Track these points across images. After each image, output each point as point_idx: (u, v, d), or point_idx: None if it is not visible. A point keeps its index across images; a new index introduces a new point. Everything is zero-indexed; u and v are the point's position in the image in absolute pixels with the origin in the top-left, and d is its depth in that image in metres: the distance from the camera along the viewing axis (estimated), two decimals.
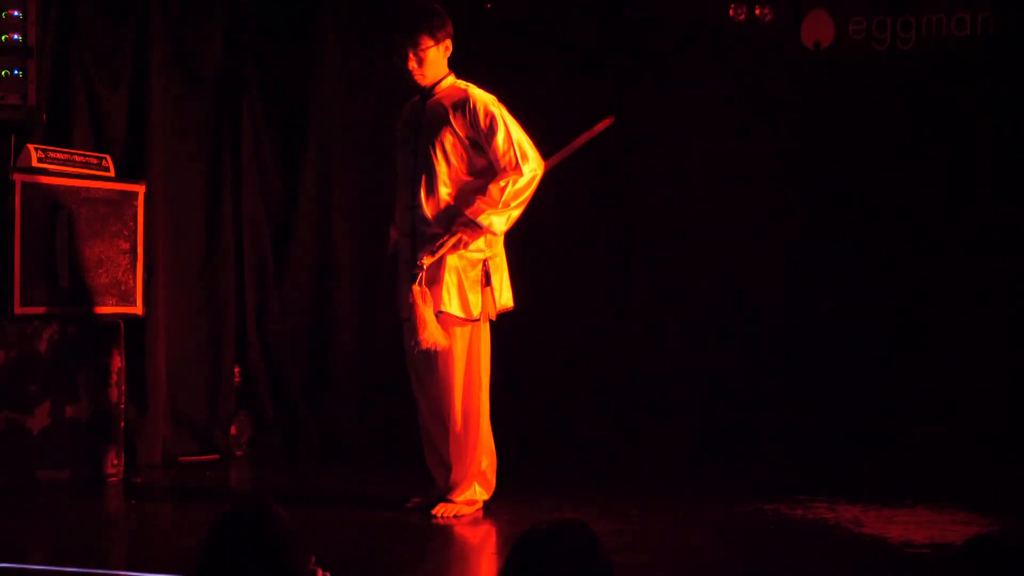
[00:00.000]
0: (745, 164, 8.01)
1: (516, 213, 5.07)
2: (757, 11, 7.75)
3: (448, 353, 5.06)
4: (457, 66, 5.23)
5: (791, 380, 7.96)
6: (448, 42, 5.16)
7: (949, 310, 7.60)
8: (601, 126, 5.46)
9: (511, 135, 5.07)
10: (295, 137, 7.10)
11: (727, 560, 4.42)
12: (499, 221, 5.03)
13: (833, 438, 7.57)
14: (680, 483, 6.04)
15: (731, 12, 7.75)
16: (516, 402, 7.27)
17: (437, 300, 5.02)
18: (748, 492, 5.64)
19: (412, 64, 5.15)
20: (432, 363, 5.10)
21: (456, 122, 5.09)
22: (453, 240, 5.01)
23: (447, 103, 5.15)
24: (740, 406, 7.95)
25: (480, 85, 5.21)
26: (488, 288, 5.11)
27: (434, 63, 5.15)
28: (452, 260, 5.05)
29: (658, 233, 7.90)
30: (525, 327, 6.96)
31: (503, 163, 5.06)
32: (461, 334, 5.08)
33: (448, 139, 5.09)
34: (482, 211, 5.00)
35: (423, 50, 5.12)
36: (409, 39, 5.12)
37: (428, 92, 5.19)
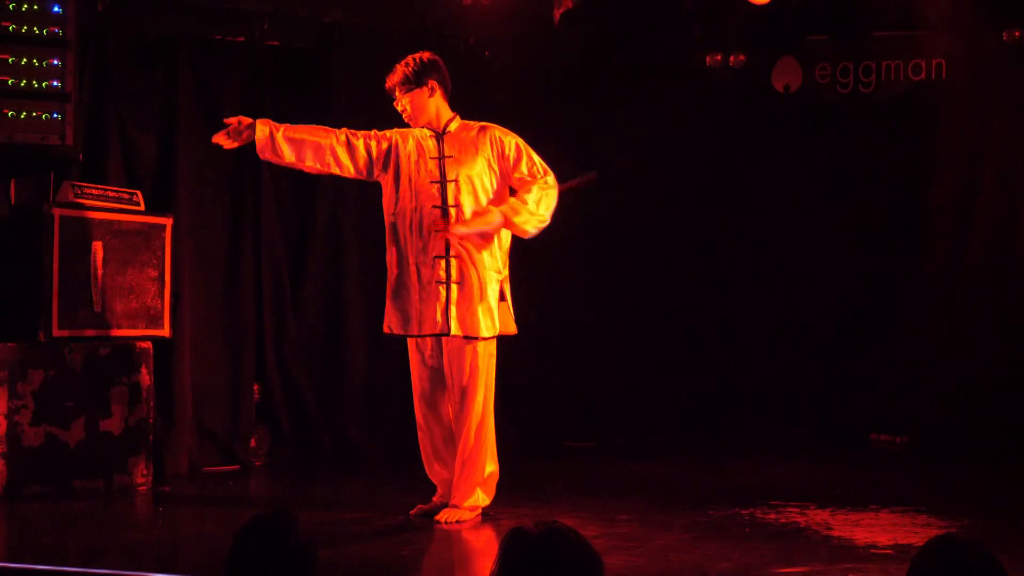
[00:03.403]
0: (720, 193, 8.11)
1: (542, 222, 5.10)
2: (731, 58, 7.81)
3: (475, 369, 5.07)
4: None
5: (767, 392, 8.01)
6: (434, 84, 5.17)
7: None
8: (586, 180, 5.47)
9: (532, 156, 5.15)
10: (310, 174, 7.11)
11: (707, 560, 4.43)
12: (530, 223, 5.07)
13: (808, 447, 7.60)
14: (664, 490, 6.03)
15: (707, 59, 7.81)
16: (511, 414, 7.29)
17: (476, 326, 5.04)
18: (726, 498, 5.64)
19: (402, 108, 5.20)
20: (461, 378, 5.10)
21: (485, 154, 5.13)
22: (485, 223, 5.02)
23: (470, 138, 5.17)
24: (720, 418, 7.99)
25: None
26: (504, 303, 5.14)
27: (425, 106, 5.17)
28: (474, 279, 5.05)
29: (641, 253, 7.96)
30: (520, 343, 6.99)
31: (531, 175, 5.12)
32: (483, 349, 5.10)
33: (481, 170, 5.12)
34: (517, 211, 5.05)
35: (407, 95, 5.16)
36: (395, 87, 5.18)
37: (441, 131, 5.21)
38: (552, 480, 6.42)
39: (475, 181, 5.11)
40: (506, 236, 5.22)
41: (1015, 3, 7.25)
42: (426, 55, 5.21)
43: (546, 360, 7.68)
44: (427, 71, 5.16)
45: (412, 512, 5.25)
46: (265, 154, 5.16)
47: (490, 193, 5.12)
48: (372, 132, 5.25)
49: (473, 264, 5.08)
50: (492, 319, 5.09)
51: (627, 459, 7.17)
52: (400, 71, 5.16)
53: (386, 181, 5.22)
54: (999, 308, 7.39)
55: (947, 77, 7.50)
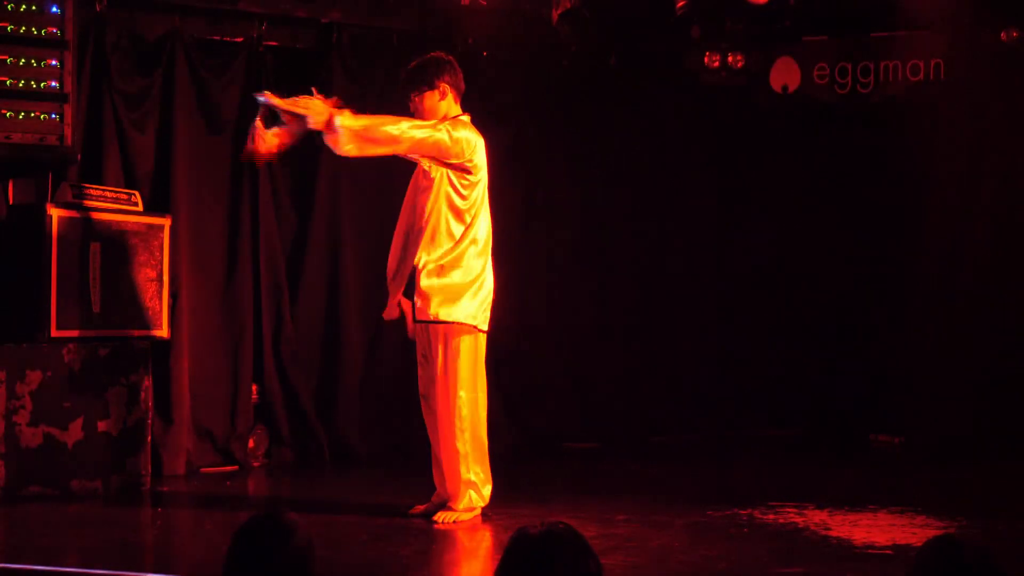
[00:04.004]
0: (719, 193, 8.12)
1: (357, 144, 4.90)
2: (730, 58, 7.81)
3: (449, 366, 5.06)
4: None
5: (767, 392, 8.01)
6: (445, 86, 5.19)
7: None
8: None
9: (436, 131, 5.00)
10: (308, 175, 7.12)
11: (705, 560, 4.43)
12: (345, 133, 4.84)
13: (807, 447, 7.60)
14: (663, 491, 6.03)
15: (706, 59, 7.81)
16: (511, 415, 7.29)
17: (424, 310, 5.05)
18: (725, 498, 5.63)
19: (413, 108, 5.22)
20: (434, 375, 5.09)
21: None
22: (300, 103, 4.91)
23: None
24: (719, 418, 7.99)
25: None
26: (434, 288, 5.08)
27: (435, 108, 5.19)
28: (432, 273, 5.05)
29: (641, 254, 7.97)
30: (520, 343, 7.00)
31: (414, 123, 5.03)
32: (445, 339, 5.07)
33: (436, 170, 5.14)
34: (344, 119, 4.86)
35: (419, 98, 5.18)
36: (407, 88, 5.21)
37: None
38: (551, 480, 6.42)
39: (445, 177, 5.11)
40: (444, 226, 5.13)
41: (1014, 3, 7.25)
42: (439, 56, 5.25)
43: (546, 360, 7.68)
44: (439, 73, 5.19)
45: (410, 512, 5.26)
46: None
47: (460, 189, 5.10)
48: None
49: (419, 251, 5.08)
50: (429, 303, 5.04)
51: (627, 459, 7.17)
52: (413, 72, 5.20)
53: None
54: (999, 308, 7.38)
55: (946, 77, 7.50)
